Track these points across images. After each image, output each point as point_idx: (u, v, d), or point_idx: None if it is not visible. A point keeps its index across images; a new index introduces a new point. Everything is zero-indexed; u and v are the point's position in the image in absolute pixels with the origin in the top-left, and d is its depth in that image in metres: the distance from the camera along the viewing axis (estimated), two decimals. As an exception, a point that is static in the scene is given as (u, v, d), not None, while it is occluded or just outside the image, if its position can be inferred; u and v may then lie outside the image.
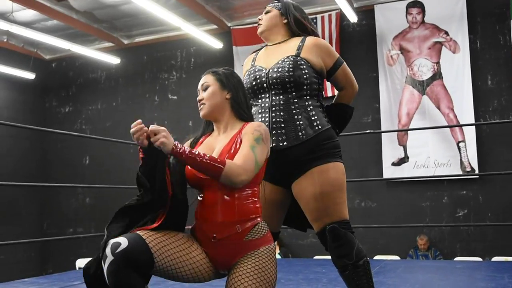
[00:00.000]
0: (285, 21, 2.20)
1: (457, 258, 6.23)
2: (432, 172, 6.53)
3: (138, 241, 1.60)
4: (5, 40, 8.27)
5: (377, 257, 5.99)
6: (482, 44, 6.64)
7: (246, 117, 1.90)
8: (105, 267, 1.55)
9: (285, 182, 2.08)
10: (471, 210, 6.49)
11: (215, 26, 7.85)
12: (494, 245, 6.31)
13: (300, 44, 2.12)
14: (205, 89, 1.90)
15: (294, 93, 2.06)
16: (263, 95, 2.13)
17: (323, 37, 6.88)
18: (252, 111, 2.15)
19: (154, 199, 1.71)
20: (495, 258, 5.96)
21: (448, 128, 6.54)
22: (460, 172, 6.46)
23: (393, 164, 6.79)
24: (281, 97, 2.07)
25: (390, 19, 7.02)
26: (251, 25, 7.38)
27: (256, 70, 2.15)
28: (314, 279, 3.36)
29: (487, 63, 6.59)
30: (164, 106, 8.33)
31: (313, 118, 2.05)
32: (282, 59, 2.09)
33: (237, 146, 1.79)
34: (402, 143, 6.79)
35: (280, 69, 2.06)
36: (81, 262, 7.42)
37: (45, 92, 9.25)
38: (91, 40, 8.59)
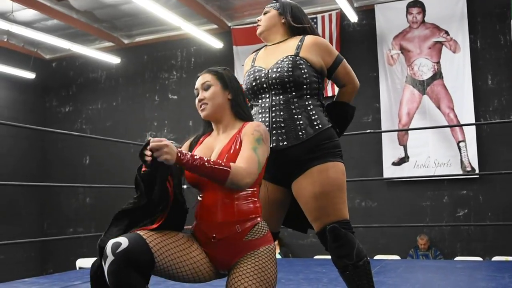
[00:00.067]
0: (284, 21, 2.21)
1: (457, 258, 6.23)
2: (432, 172, 6.53)
3: (139, 241, 1.59)
4: (5, 40, 8.26)
5: (377, 257, 5.99)
6: (483, 44, 6.63)
7: (245, 116, 1.91)
8: (105, 267, 1.55)
9: (285, 181, 2.08)
10: (472, 209, 6.49)
11: (215, 26, 7.85)
12: (494, 245, 6.31)
13: (299, 43, 2.12)
14: (206, 89, 1.89)
15: (294, 93, 2.06)
16: (263, 95, 2.13)
17: (324, 37, 6.86)
18: (253, 111, 2.16)
19: (151, 202, 1.70)
20: (495, 258, 5.96)
21: (448, 128, 6.54)
22: (461, 172, 6.46)
23: (394, 163, 6.79)
24: (281, 97, 2.07)
25: (390, 19, 7.02)
26: (251, 25, 7.38)
27: (256, 70, 2.16)
28: (315, 279, 3.36)
29: (487, 63, 6.59)
30: (164, 105, 8.33)
31: (313, 118, 2.05)
32: (281, 59, 2.09)
33: (237, 146, 1.79)
34: (403, 143, 6.79)
35: (279, 69, 2.07)
36: (81, 262, 7.41)
37: (45, 91, 9.25)
38: (91, 39, 8.59)
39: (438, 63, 6.75)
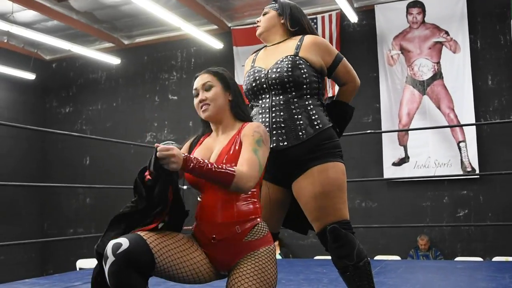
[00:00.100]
0: (283, 21, 2.22)
1: (457, 258, 6.22)
2: (432, 172, 6.53)
3: (139, 242, 1.59)
4: (5, 41, 8.27)
5: (377, 257, 5.99)
6: (483, 44, 6.63)
7: (244, 117, 1.91)
8: (106, 268, 1.55)
9: (286, 182, 2.07)
10: (472, 210, 6.49)
11: (215, 27, 7.85)
12: (494, 245, 6.31)
13: (299, 43, 2.12)
14: (207, 89, 1.88)
15: (293, 93, 2.06)
16: (263, 96, 2.13)
17: (324, 37, 6.86)
18: (253, 111, 2.17)
19: (149, 205, 1.70)
20: (495, 258, 5.96)
21: (448, 128, 6.53)
22: (461, 172, 6.45)
23: (394, 164, 6.78)
24: (281, 97, 2.07)
25: (390, 19, 7.02)
26: (251, 25, 7.38)
27: (256, 71, 2.16)
28: (315, 280, 3.36)
29: (487, 63, 6.58)
30: (164, 106, 8.33)
31: (313, 118, 2.05)
32: (281, 59, 2.09)
33: (236, 147, 1.79)
34: (403, 143, 6.79)
35: (279, 69, 2.07)
36: (81, 263, 7.41)
37: (45, 92, 9.25)
38: (91, 40, 8.59)
39: (438, 63, 6.75)
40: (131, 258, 1.55)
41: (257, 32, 2.28)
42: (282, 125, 2.04)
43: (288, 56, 2.08)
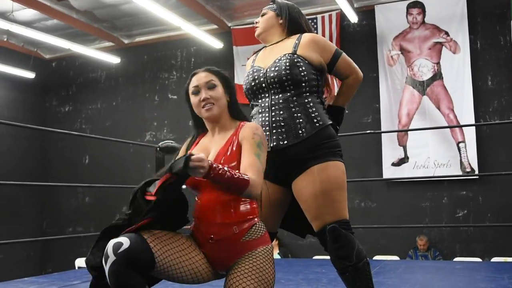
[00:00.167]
0: (281, 21, 2.23)
1: (456, 259, 6.23)
2: (432, 173, 6.53)
3: (140, 241, 1.59)
4: (5, 40, 8.26)
5: (376, 257, 5.99)
6: (483, 44, 6.64)
7: (241, 117, 1.92)
8: (106, 268, 1.55)
9: (286, 181, 2.07)
10: (471, 210, 6.49)
11: (215, 26, 7.84)
12: (493, 245, 6.31)
13: (296, 42, 2.13)
14: (211, 88, 1.86)
15: (293, 91, 2.07)
16: (262, 95, 2.13)
17: (323, 37, 6.88)
18: (253, 111, 2.17)
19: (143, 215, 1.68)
20: (494, 259, 5.96)
21: (448, 129, 6.54)
22: (460, 173, 6.46)
23: (393, 164, 6.78)
24: (280, 96, 2.08)
25: (390, 19, 7.02)
26: (251, 25, 7.33)
27: (255, 70, 2.17)
28: (314, 279, 3.36)
29: (487, 64, 6.59)
30: (164, 105, 8.33)
31: (313, 115, 2.05)
32: (279, 58, 2.10)
33: (233, 148, 1.79)
34: (402, 144, 6.79)
35: (277, 68, 2.07)
36: (80, 262, 7.40)
37: (45, 91, 9.25)
38: (91, 39, 8.59)
39: (438, 63, 6.75)
40: (131, 257, 1.55)
41: (256, 33, 2.29)
42: (282, 124, 2.04)
43: (286, 55, 2.09)
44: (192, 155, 1.57)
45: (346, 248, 1.96)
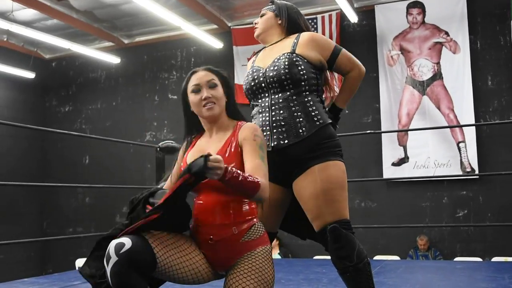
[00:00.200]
0: (280, 22, 2.24)
1: (457, 259, 6.23)
2: (432, 173, 6.53)
3: (142, 241, 1.59)
4: (5, 39, 8.26)
5: (377, 257, 5.99)
6: (483, 44, 6.64)
7: (238, 117, 1.91)
8: (108, 268, 1.54)
9: (286, 181, 2.07)
10: (471, 210, 6.49)
11: (215, 26, 7.84)
12: (494, 245, 6.31)
13: (295, 41, 2.14)
14: (212, 87, 1.85)
15: (292, 90, 2.07)
16: (262, 95, 2.14)
17: (324, 37, 6.88)
18: (253, 111, 2.17)
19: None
20: (495, 259, 5.96)
21: (448, 129, 6.54)
22: (460, 173, 6.46)
23: (393, 164, 6.78)
24: (280, 95, 2.08)
25: (390, 19, 7.02)
26: (251, 25, 7.34)
27: (254, 70, 2.18)
28: (315, 279, 3.36)
29: (487, 64, 6.59)
30: (164, 105, 8.33)
31: (313, 114, 2.05)
32: (278, 57, 2.11)
33: (232, 150, 1.79)
34: (402, 143, 6.79)
35: (276, 68, 2.08)
36: (80, 262, 7.40)
37: (45, 91, 9.24)
38: (91, 39, 8.59)
39: (438, 63, 6.75)
40: (134, 258, 1.54)
41: (255, 34, 2.30)
42: (282, 123, 2.04)
43: (285, 54, 2.10)
44: (210, 155, 1.56)
45: (347, 248, 1.95)
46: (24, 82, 8.59)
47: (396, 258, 6.26)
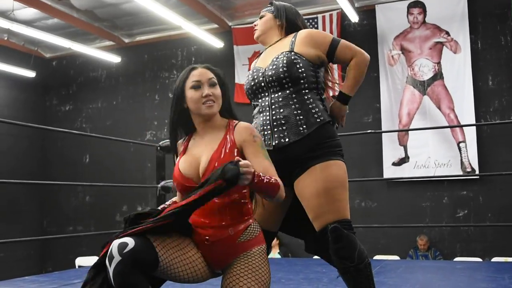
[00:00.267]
0: (279, 23, 2.25)
1: (457, 259, 6.23)
2: (432, 172, 6.53)
3: (144, 241, 1.59)
4: (5, 39, 8.26)
5: (377, 257, 5.99)
6: (483, 44, 6.63)
7: (231, 115, 1.90)
8: (111, 268, 1.53)
9: (287, 180, 2.06)
10: (471, 210, 6.49)
11: (216, 25, 7.84)
12: (494, 245, 6.31)
13: (293, 39, 2.15)
14: (212, 85, 1.84)
15: (291, 89, 2.07)
16: (262, 94, 2.15)
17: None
18: (254, 111, 2.18)
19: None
20: (495, 259, 5.96)
21: (448, 129, 6.54)
22: (461, 173, 6.45)
23: (394, 164, 6.78)
24: (279, 94, 2.09)
25: (391, 19, 7.01)
26: (251, 25, 7.35)
27: (254, 71, 2.20)
28: (315, 279, 3.36)
29: (488, 64, 6.58)
30: (164, 105, 8.33)
31: (313, 111, 2.05)
32: (276, 56, 2.12)
33: (227, 151, 1.78)
34: (403, 143, 6.79)
35: (274, 67, 2.09)
36: (80, 261, 7.42)
37: (45, 90, 9.25)
38: (91, 38, 8.58)
39: (438, 63, 6.74)
40: (137, 257, 1.54)
41: (255, 36, 2.32)
42: (283, 121, 2.05)
43: (284, 53, 2.11)
44: (240, 160, 1.58)
45: (348, 249, 1.95)
46: (24, 81, 8.59)
47: (396, 258, 6.27)
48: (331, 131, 2.08)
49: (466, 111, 6.51)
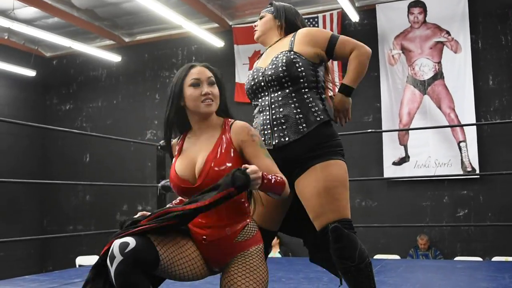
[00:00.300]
0: (279, 23, 2.26)
1: (457, 258, 6.23)
2: (433, 172, 6.53)
3: (145, 240, 1.59)
4: (6, 38, 8.26)
5: (377, 257, 5.99)
6: (484, 44, 6.63)
7: (226, 114, 1.90)
8: (112, 268, 1.53)
9: (287, 180, 2.07)
10: (472, 210, 6.49)
11: (216, 25, 7.84)
12: (494, 245, 6.31)
13: (292, 39, 2.16)
14: (211, 84, 1.84)
15: (291, 88, 2.07)
16: (262, 94, 2.15)
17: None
18: (255, 111, 2.19)
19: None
20: (495, 258, 5.96)
21: (449, 128, 6.53)
22: (461, 172, 6.45)
23: (394, 163, 6.78)
24: (279, 93, 2.09)
25: (391, 19, 7.01)
26: (252, 24, 7.35)
27: (254, 71, 2.21)
28: (315, 278, 3.36)
29: (488, 63, 6.58)
30: (165, 104, 8.23)
31: (312, 110, 2.05)
32: (276, 56, 2.13)
33: (223, 151, 1.78)
34: (403, 143, 6.78)
35: (274, 66, 2.10)
36: (81, 260, 7.42)
37: (46, 89, 9.25)
38: (92, 37, 8.58)
39: (439, 63, 6.74)
40: (138, 257, 1.54)
41: (255, 37, 2.34)
42: (283, 120, 2.05)
43: (283, 52, 2.11)
44: (247, 168, 1.60)
45: (349, 249, 1.95)
46: (25, 80, 8.59)
47: (397, 257, 6.26)
48: (331, 130, 2.08)
49: (467, 111, 6.50)
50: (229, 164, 1.75)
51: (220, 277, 1.80)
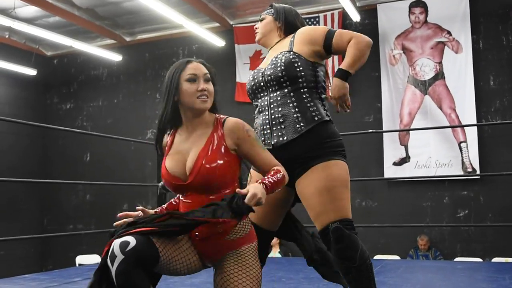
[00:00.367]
0: (279, 25, 2.28)
1: (457, 259, 6.22)
2: (433, 172, 6.52)
3: (145, 239, 1.60)
4: (7, 36, 8.26)
5: (377, 257, 5.99)
6: (485, 44, 6.62)
7: (216, 111, 1.90)
8: (113, 268, 1.53)
9: (288, 180, 2.06)
10: (472, 210, 6.49)
11: (217, 24, 7.84)
12: (494, 246, 6.31)
13: (292, 39, 2.17)
14: (207, 81, 1.85)
15: (290, 87, 2.08)
16: (261, 94, 2.17)
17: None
18: (255, 111, 2.20)
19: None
20: (495, 259, 5.95)
21: (449, 129, 6.53)
22: (461, 173, 6.45)
23: (395, 164, 6.78)
24: (278, 93, 2.10)
25: (392, 19, 7.00)
26: (253, 23, 7.34)
27: (255, 71, 2.23)
28: (315, 278, 3.35)
29: (489, 64, 6.57)
30: (165, 104, 8.31)
31: (311, 109, 2.06)
32: (275, 56, 2.14)
33: (214, 147, 1.78)
34: (404, 143, 6.78)
35: (273, 66, 2.11)
36: (81, 259, 7.42)
37: (46, 88, 9.25)
38: (93, 37, 8.58)
39: (440, 63, 6.73)
40: (139, 255, 1.54)
41: (256, 39, 2.36)
42: (281, 120, 2.06)
43: (283, 52, 2.13)
44: (244, 197, 1.62)
45: (350, 250, 1.94)
46: (25, 79, 8.59)
47: (397, 257, 6.26)
48: (331, 130, 2.07)
49: (467, 111, 6.50)
50: (220, 162, 1.75)
51: (213, 273, 1.81)
